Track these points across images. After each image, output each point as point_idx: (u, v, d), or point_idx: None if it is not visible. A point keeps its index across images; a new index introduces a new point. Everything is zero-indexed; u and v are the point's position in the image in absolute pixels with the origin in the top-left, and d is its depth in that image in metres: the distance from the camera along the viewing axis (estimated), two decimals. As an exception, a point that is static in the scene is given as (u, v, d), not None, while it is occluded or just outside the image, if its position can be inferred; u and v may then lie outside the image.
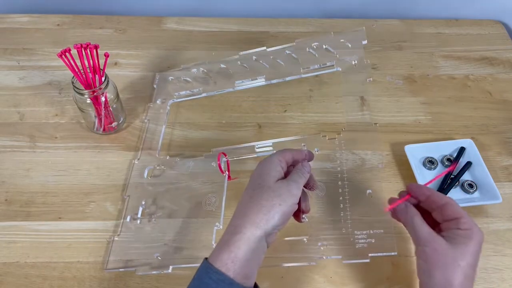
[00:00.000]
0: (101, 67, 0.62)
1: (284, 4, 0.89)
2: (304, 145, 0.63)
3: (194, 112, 0.72)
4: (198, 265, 0.42)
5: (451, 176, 0.62)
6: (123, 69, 0.78)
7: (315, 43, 0.71)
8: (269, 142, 0.64)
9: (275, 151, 0.49)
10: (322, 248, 0.54)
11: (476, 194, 0.60)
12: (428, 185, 0.48)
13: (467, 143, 0.64)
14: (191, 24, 0.86)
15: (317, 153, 0.62)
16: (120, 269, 0.54)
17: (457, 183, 0.61)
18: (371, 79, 0.68)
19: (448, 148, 0.65)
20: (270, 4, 0.90)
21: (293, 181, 0.45)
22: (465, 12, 0.89)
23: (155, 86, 0.74)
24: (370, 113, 0.68)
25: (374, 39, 0.82)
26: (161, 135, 0.67)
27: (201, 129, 0.69)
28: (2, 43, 0.81)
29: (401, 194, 0.48)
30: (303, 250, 0.54)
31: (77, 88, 0.61)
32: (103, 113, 0.64)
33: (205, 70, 0.74)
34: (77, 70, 0.60)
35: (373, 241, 0.52)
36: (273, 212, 0.42)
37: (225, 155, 0.61)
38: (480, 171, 0.61)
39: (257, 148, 0.64)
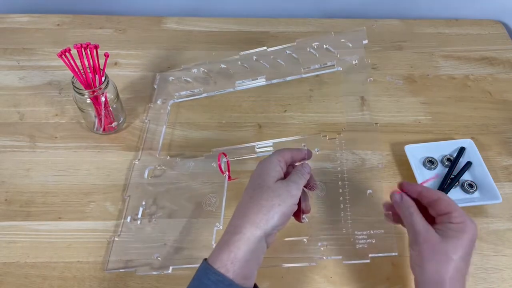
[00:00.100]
0: (101, 67, 0.62)
1: (284, 4, 0.89)
2: (304, 145, 0.63)
3: (194, 112, 0.72)
4: (198, 265, 0.42)
5: (451, 176, 0.62)
6: (123, 69, 0.78)
7: (316, 43, 0.71)
8: (270, 142, 0.64)
9: (274, 151, 0.49)
10: (322, 248, 0.54)
11: (476, 194, 0.60)
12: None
13: (467, 143, 0.64)
14: (191, 24, 0.86)
15: (317, 153, 0.62)
16: (121, 270, 0.54)
17: (457, 183, 0.61)
18: (371, 78, 0.68)
19: (448, 148, 0.65)
20: (270, 4, 0.90)
21: (293, 181, 0.45)
22: (465, 12, 0.89)
23: (155, 86, 0.74)
24: (370, 113, 0.68)
25: (374, 39, 0.82)
26: (162, 135, 0.67)
27: (201, 129, 0.69)
28: (2, 43, 0.81)
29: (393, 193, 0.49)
30: (303, 250, 0.54)
31: (77, 88, 0.61)
32: (103, 113, 0.64)
33: (205, 70, 0.74)
34: (77, 70, 0.60)
35: (373, 241, 0.52)
36: (272, 212, 0.42)
37: (225, 156, 0.61)
38: (480, 171, 0.61)
39: (257, 148, 0.64)
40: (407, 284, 0.53)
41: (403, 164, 0.64)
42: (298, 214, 0.48)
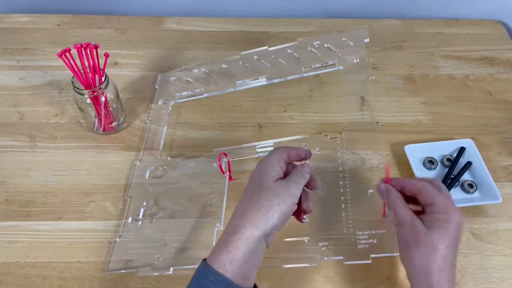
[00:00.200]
0: (101, 67, 0.62)
1: (284, 4, 0.89)
2: (305, 145, 0.63)
3: (194, 112, 0.72)
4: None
5: (451, 176, 0.62)
6: (123, 69, 0.78)
7: (317, 42, 0.71)
8: (271, 142, 0.64)
9: (273, 149, 0.49)
10: (323, 248, 0.54)
11: (476, 194, 0.60)
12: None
13: (467, 143, 0.64)
14: (191, 24, 0.86)
15: (318, 153, 0.62)
16: (122, 271, 0.54)
17: (457, 183, 0.61)
18: (373, 77, 0.67)
19: (448, 148, 0.65)
20: (270, 4, 0.90)
21: (293, 181, 0.45)
22: (465, 12, 0.89)
23: (157, 87, 0.74)
24: (370, 113, 0.68)
25: (374, 39, 0.82)
26: (163, 135, 0.67)
27: (202, 129, 0.69)
28: (2, 43, 0.81)
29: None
30: (304, 250, 0.54)
31: (77, 88, 0.61)
32: (103, 113, 0.64)
33: (206, 71, 0.74)
34: (77, 70, 0.60)
35: (374, 241, 0.52)
36: (271, 212, 0.42)
37: (226, 156, 0.61)
38: (480, 171, 0.61)
39: (258, 148, 0.64)
40: (407, 284, 0.53)
41: (403, 164, 0.64)
42: (299, 214, 0.48)
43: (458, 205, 0.58)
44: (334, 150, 0.63)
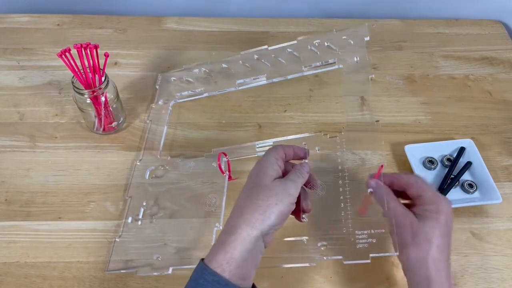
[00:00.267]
0: (101, 67, 0.62)
1: (284, 4, 0.89)
2: (305, 144, 0.63)
3: (194, 112, 0.72)
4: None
5: (451, 176, 0.62)
6: (123, 69, 0.78)
7: (317, 41, 0.71)
8: (270, 141, 0.64)
9: (270, 148, 0.49)
10: (322, 248, 0.53)
11: (476, 194, 0.60)
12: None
13: (467, 143, 0.64)
14: (191, 24, 0.86)
15: (318, 152, 0.62)
16: (121, 271, 0.54)
17: (457, 183, 0.61)
18: (373, 75, 0.67)
19: (448, 148, 0.65)
20: (270, 4, 0.90)
21: (291, 180, 0.45)
22: (465, 12, 0.89)
23: (157, 87, 0.74)
24: (370, 113, 0.68)
25: (374, 39, 0.82)
26: (163, 135, 0.67)
27: (202, 129, 0.69)
28: (2, 43, 0.81)
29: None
30: (303, 250, 0.54)
31: (77, 88, 0.61)
32: (103, 113, 0.64)
33: (206, 70, 0.74)
34: (77, 70, 0.60)
35: (374, 241, 0.52)
36: (269, 211, 0.42)
37: (226, 155, 0.61)
38: (480, 171, 0.61)
39: (257, 147, 0.64)
40: (407, 284, 0.53)
41: (403, 164, 0.64)
42: (298, 213, 0.48)
43: (458, 205, 0.58)
44: (333, 150, 0.63)
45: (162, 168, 0.63)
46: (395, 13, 0.90)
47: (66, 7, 0.89)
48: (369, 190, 0.49)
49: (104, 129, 0.67)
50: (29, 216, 0.59)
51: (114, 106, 0.65)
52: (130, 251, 0.55)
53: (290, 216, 0.46)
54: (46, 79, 0.76)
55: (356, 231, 0.53)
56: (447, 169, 0.62)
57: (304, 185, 0.47)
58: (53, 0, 0.88)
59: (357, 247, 0.52)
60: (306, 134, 0.66)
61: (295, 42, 0.71)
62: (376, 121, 0.66)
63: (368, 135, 0.65)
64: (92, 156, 0.65)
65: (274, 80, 0.70)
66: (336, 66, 0.69)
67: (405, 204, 0.48)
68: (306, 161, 0.50)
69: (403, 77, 0.77)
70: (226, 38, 0.84)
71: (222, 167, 0.59)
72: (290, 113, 0.71)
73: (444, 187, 0.60)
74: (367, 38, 0.68)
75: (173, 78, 0.75)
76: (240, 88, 0.71)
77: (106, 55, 0.61)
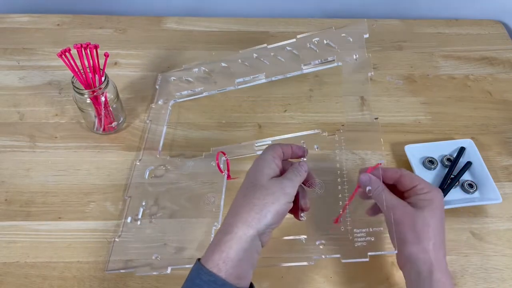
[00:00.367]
0: (101, 67, 0.62)
1: (284, 4, 0.89)
2: (303, 142, 0.63)
3: (194, 112, 0.72)
4: (197, 265, 0.42)
5: (451, 176, 0.62)
6: (123, 69, 0.78)
7: (316, 39, 0.70)
8: (269, 140, 0.64)
9: (267, 146, 0.49)
10: (321, 247, 0.53)
11: (476, 194, 0.60)
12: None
13: (467, 143, 0.64)
14: (191, 24, 0.86)
15: (316, 150, 0.62)
16: (121, 270, 0.54)
17: (457, 183, 0.61)
18: (372, 73, 0.67)
19: (448, 148, 0.65)
20: (270, 4, 0.90)
21: (288, 179, 0.45)
22: (465, 12, 0.89)
23: (157, 86, 0.74)
24: (370, 113, 0.68)
25: (374, 39, 0.82)
26: (162, 135, 0.67)
27: (202, 129, 0.69)
28: (2, 43, 0.81)
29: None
30: (301, 249, 0.54)
31: (77, 88, 0.61)
32: (103, 113, 0.64)
33: (206, 70, 0.74)
34: (77, 70, 0.60)
35: (372, 239, 0.52)
36: (265, 210, 0.42)
37: (224, 154, 0.61)
38: (480, 171, 0.61)
39: (256, 146, 0.64)
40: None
41: (403, 164, 0.64)
42: (296, 211, 0.48)
43: (458, 205, 0.59)
44: (332, 150, 0.62)
45: (164, 168, 0.63)
46: (395, 13, 0.90)
47: (66, 7, 0.89)
48: (367, 188, 0.49)
49: (104, 129, 0.67)
50: (29, 216, 0.59)
51: (114, 106, 0.65)
52: (130, 251, 0.55)
53: (289, 214, 0.46)
54: (46, 79, 0.76)
55: (355, 230, 0.53)
56: (447, 169, 0.62)
57: (302, 183, 0.47)
58: (53, 0, 0.88)
59: (355, 245, 0.51)
60: (305, 132, 0.65)
61: (294, 40, 0.71)
62: (375, 118, 0.66)
63: (368, 135, 0.65)
64: (92, 156, 0.65)
65: (273, 78, 0.70)
66: (335, 64, 0.69)
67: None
68: (305, 159, 0.50)
69: (403, 77, 0.77)
70: (226, 38, 0.84)
71: (221, 166, 0.59)
72: (290, 113, 0.71)
73: (444, 187, 0.60)
74: (366, 35, 0.68)
75: (173, 78, 0.75)
76: (240, 87, 0.71)
77: (106, 55, 0.61)
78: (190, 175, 0.62)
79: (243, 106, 0.72)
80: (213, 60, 0.75)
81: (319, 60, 0.69)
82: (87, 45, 0.59)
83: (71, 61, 0.59)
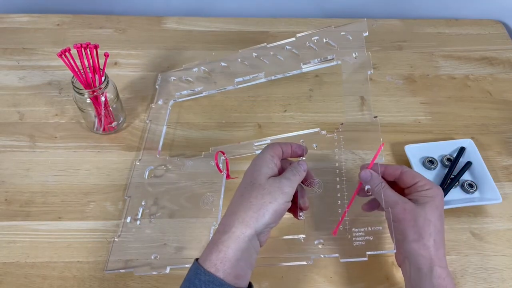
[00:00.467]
0: (101, 67, 0.62)
1: (284, 4, 0.89)
2: (302, 141, 0.63)
3: (194, 112, 0.72)
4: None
5: (451, 176, 0.62)
6: (123, 69, 0.78)
7: (316, 37, 0.70)
8: (268, 139, 0.64)
9: (266, 145, 0.49)
10: (319, 246, 0.53)
11: (476, 194, 0.60)
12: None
13: (467, 143, 0.64)
14: (191, 24, 0.86)
15: (315, 149, 0.62)
16: (120, 270, 0.54)
17: (457, 183, 0.61)
18: (371, 71, 0.67)
19: (448, 148, 0.65)
20: (270, 4, 0.90)
21: (286, 178, 0.44)
22: (465, 12, 0.89)
23: (157, 86, 0.74)
24: (370, 113, 0.68)
25: (374, 39, 0.82)
26: (162, 135, 0.67)
27: (201, 129, 0.69)
28: (2, 43, 0.81)
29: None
30: (300, 249, 0.54)
31: (77, 88, 0.61)
32: (103, 113, 0.64)
33: (206, 69, 0.74)
34: (77, 70, 0.60)
35: (371, 238, 0.52)
36: (263, 210, 0.41)
37: (223, 154, 0.61)
38: (480, 171, 0.61)
39: (255, 146, 0.64)
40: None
41: (403, 164, 0.63)
42: (295, 210, 0.48)
43: (458, 205, 0.59)
44: (332, 150, 0.62)
45: (163, 168, 0.63)
46: (395, 13, 0.90)
47: (66, 7, 0.89)
48: (366, 187, 0.49)
49: (104, 129, 0.67)
50: (29, 216, 0.59)
51: (114, 106, 0.65)
52: (129, 251, 0.55)
53: (287, 213, 0.46)
54: (46, 79, 0.76)
55: (353, 229, 0.52)
56: (447, 169, 0.62)
57: (302, 182, 0.47)
58: (53, 0, 0.88)
59: (354, 244, 0.51)
60: (304, 131, 0.65)
61: (293, 39, 0.71)
62: (375, 117, 0.66)
63: (367, 135, 0.65)
64: (92, 156, 0.65)
65: (273, 77, 0.70)
66: (335, 63, 0.68)
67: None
68: (304, 158, 0.50)
69: (403, 77, 0.77)
70: (226, 38, 0.84)
71: (220, 166, 0.59)
72: (290, 113, 0.71)
73: (444, 187, 0.60)
74: (365, 34, 0.68)
75: (172, 77, 0.75)
76: (239, 86, 0.71)
77: (106, 55, 0.61)
78: (189, 175, 0.62)
79: (243, 106, 0.72)
80: (213, 60, 0.75)
81: (319, 59, 0.69)
82: (87, 45, 0.59)
83: (71, 61, 0.59)
